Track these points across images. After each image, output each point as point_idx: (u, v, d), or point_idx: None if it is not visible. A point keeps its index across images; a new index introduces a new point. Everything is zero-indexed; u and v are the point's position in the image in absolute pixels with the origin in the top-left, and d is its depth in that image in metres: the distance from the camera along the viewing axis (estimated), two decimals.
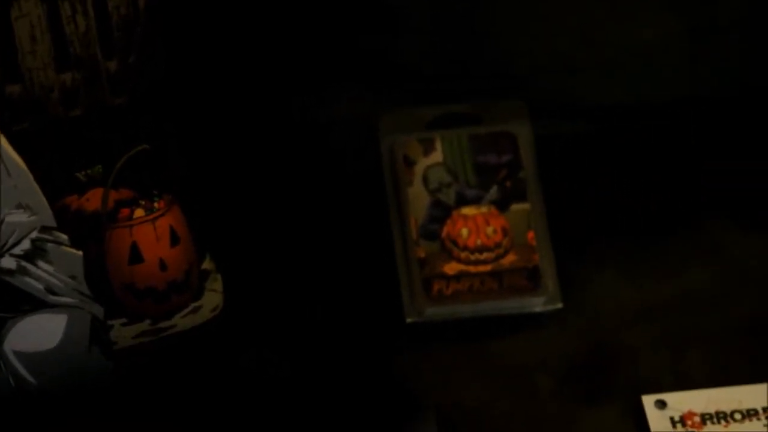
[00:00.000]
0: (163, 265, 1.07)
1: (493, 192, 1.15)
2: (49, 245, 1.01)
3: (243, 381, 1.05)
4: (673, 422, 1.01)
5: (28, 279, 1.01)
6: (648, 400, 1.02)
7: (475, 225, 1.14)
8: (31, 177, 1.00)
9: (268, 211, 1.18)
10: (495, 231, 1.13)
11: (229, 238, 1.14)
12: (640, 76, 1.24)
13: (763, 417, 1.01)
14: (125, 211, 1.07)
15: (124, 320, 1.07)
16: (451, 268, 1.12)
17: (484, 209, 1.14)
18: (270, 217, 1.18)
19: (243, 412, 1.04)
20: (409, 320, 1.10)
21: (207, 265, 1.12)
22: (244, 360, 1.07)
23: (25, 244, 1.01)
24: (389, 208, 1.14)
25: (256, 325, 1.10)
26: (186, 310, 1.09)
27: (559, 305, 1.11)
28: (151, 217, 1.07)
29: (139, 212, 1.07)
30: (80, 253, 1.03)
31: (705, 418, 1.01)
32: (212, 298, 1.11)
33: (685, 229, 1.17)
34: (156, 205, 1.07)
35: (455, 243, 1.13)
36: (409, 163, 1.16)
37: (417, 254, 1.12)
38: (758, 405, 1.02)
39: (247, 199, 1.19)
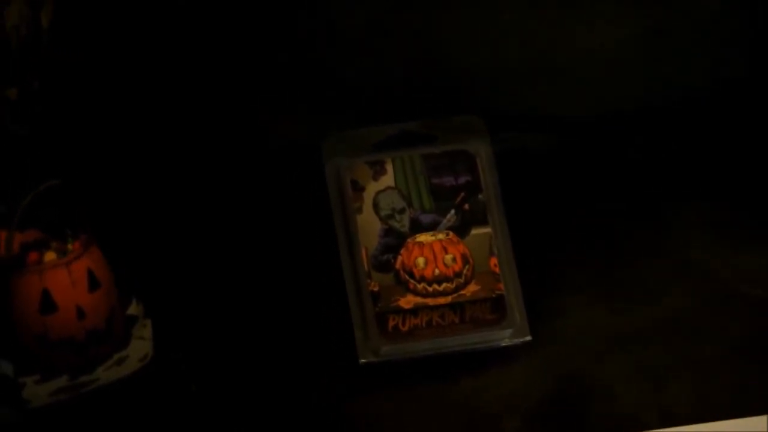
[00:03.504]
0: (81, 313, 1.03)
1: (451, 217, 1.11)
2: None
3: None
4: None
5: None
6: None
7: (432, 253, 1.10)
8: None
9: (203, 246, 1.14)
10: (454, 259, 1.10)
11: (158, 279, 1.10)
12: (602, 83, 1.22)
13: None
14: (34, 255, 1.02)
15: (37, 377, 1.03)
16: (408, 301, 1.08)
17: (441, 236, 1.11)
18: (206, 253, 1.14)
19: None
20: (362, 360, 1.07)
21: (133, 309, 1.07)
22: (178, 415, 1.02)
23: None
24: (337, 238, 1.10)
25: (192, 375, 1.06)
26: (110, 362, 1.04)
27: (528, 337, 1.08)
28: (64, 260, 1.02)
29: (50, 255, 1.03)
30: None
31: None
32: (140, 347, 1.06)
33: (664, 249, 1.14)
34: (70, 246, 1.03)
35: (411, 274, 1.09)
36: (358, 189, 1.12)
37: (369, 288, 1.08)
38: None
39: (179, 234, 1.15)
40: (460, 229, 1.11)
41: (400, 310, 1.07)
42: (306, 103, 1.19)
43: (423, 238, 1.10)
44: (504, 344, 1.07)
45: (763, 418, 0.99)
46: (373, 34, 1.18)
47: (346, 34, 1.18)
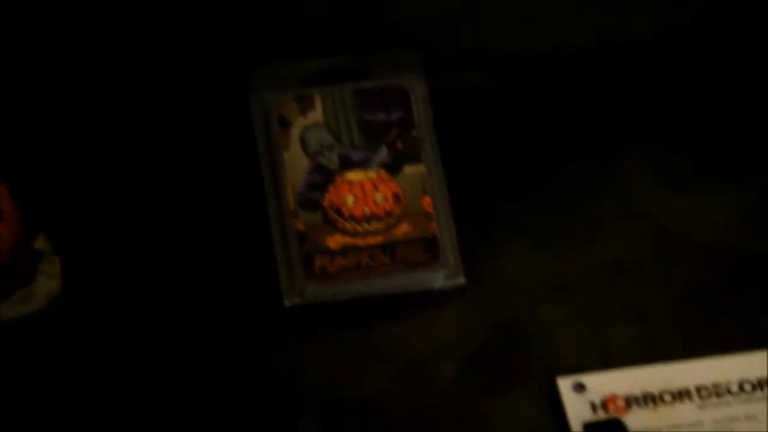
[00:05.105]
0: None
1: (382, 154, 1.09)
2: None
3: (85, 381, 0.99)
4: (594, 407, 0.96)
5: None
6: (564, 383, 0.97)
7: (362, 191, 1.07)
8: None
9: (116, 179, 1.10)
10: (385, 198, 1.07)
11: (68, 213, 1.07)
12: (546, 20, 1.17)
13: (696, 397, 0.97)
14: None
15: None
16: (336, 241, 1.06)
17: (372, 173, 1.08)
18: (119, 187, 1.10)
19: (84, 417, 0.97)
20: (287, 303, 1.04)
21: (41, 244, 1.05)
22: (86, 356, 1.00)
23: None
24: (263, 175, 1.08)
25: (102, 314, 1.03)
26: (13, 298, 1.02)
27: (462, 280, 1.06)
28: None
29: None
30: None
31: (630, 400, 0.97)
32: (47, 284, 1.04)
33: (604, 191, 1.12)
34: None
35: (339, 213, 1.06)
36: (285, 124, 1.09)
37: (295, 227, 1.06)
38: (691, 383, 0.97)
39: (91, 165, 1.11)
40: (392, 167, 1.08)
41: (327, 251, 1.05)
42: (234, 35, 1.15)
43: (352, 175, 1.08)
44: (437, 287, 1.05)
45: (764, 354, 0.98)
46: None
47: None
